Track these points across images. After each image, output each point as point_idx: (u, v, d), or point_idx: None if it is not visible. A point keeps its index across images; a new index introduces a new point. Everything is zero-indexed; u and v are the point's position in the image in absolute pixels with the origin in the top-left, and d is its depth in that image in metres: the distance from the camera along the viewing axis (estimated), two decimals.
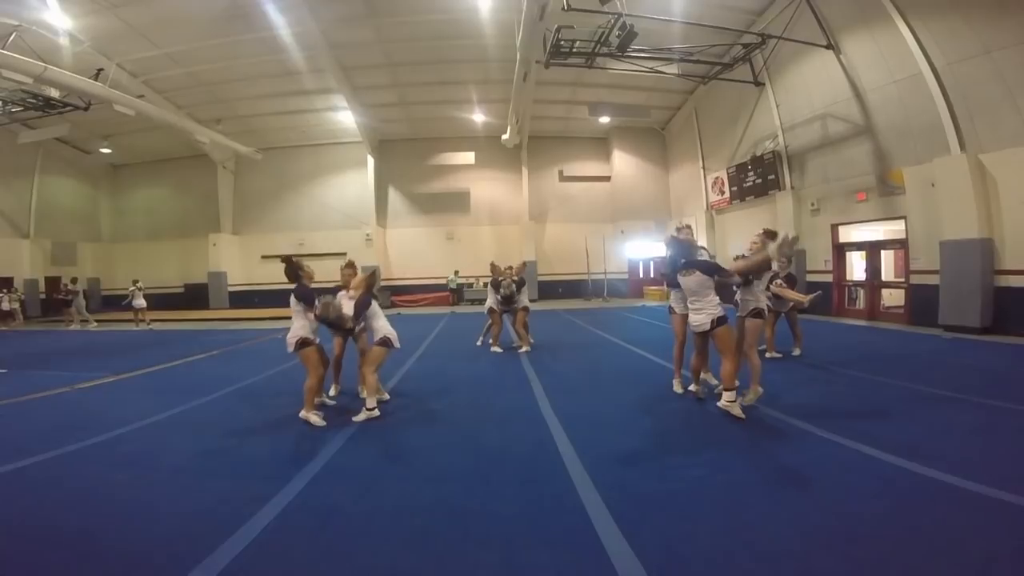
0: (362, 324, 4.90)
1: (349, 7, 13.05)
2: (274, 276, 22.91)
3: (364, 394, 4.79)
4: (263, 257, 20.88)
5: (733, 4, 12.75)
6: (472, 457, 3.57)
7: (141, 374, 7.15)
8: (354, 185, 20.90)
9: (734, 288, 4.70)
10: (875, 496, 2.69)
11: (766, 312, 4.47)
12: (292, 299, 4.64)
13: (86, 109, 14.19)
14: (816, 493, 2.77)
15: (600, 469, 3.18)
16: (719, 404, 4.14)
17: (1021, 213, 8.24)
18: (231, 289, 20.77)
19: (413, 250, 21.03)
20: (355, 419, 4.45)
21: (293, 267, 4.74)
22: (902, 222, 10.43)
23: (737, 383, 4.19)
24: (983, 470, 2.91)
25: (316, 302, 4.56)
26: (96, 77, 13.38)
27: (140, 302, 14.46)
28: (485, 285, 10.41)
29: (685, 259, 4.34)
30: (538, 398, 5.13)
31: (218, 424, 4.54)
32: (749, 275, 4.48)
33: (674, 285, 4.87)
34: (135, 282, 14.74)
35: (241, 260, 21.09)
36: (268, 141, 20.23)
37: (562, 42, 11.52)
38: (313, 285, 4.78)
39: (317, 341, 4.64)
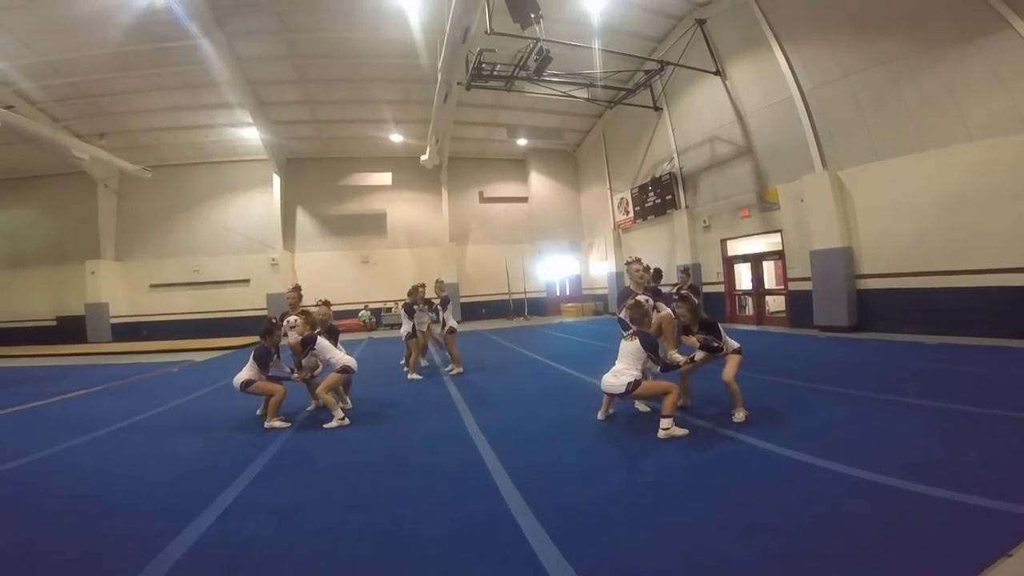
0: (318, 369, 5.46)
1: (261, 21, 12.49)
2: (165, 306, 20.89)
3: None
4: (152, 286, 18.96)
5: (638, 31, 13.82)
6: (398, 480, 3.48)
7: (6, 413, 6.23)
8: (258, 206, 19.55)
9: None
10: (772, 487, 2.97)
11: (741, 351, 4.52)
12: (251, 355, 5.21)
13: None
14: (728, 490, 3.00)
15: (528, 482, 3.23)
16: (659, 435, 3.97)
17: (873, 223, 9.59)
18: (114, 321, 18.46)
19: (325, 275, 19.83)
20: (326, 426, 4.91)
21: (267, 326, 5.36)
22: (779, 235, 11.80)
23: (673, 410, 4.09)
24: (863, 458, 3.25)
25: (271, 363, 5.21)
26: None
27: None
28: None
29: (635, 327, 4.32)
30: (464, 418, 5.12)
31: (105, 463, 4.08)
32: (691, 329, 4.60)
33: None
34: None
35: (126, 289, 18.86)
36: (159, 158, 18.44)
37: (484, 64, 11.85)
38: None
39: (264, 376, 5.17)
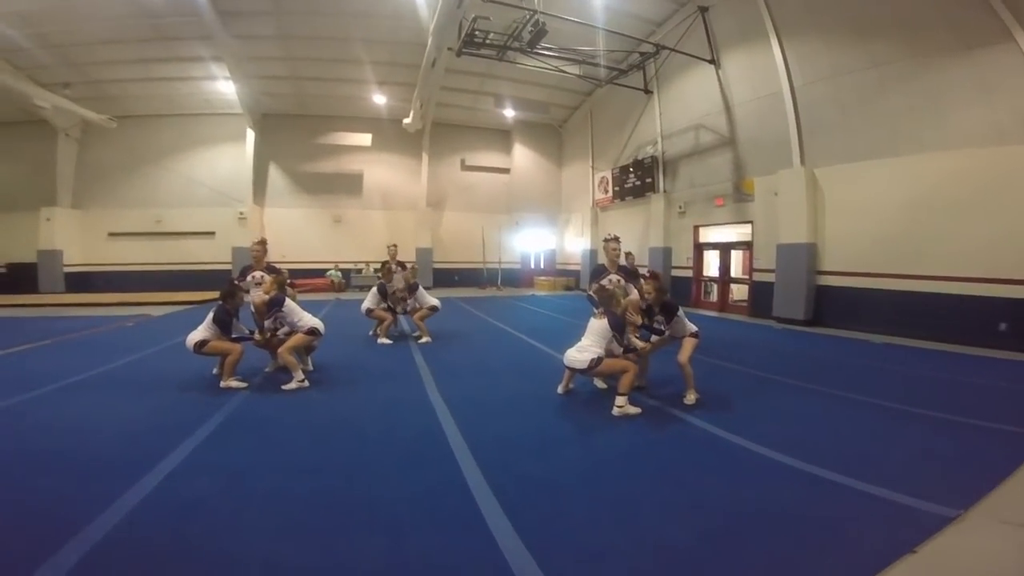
0: (283, 328, 5.23)
1: None
2: (124, 256, 20.14)
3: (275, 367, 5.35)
4: (111, 235, 18.14)
5: (638, 13, 13.54)
6: (354, 445, 3.51)
7: None
8: (228, 160, 18.74)
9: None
10: (712, 469, 3.13)
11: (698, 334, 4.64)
12: (210, 315, 5.01)
13: None
14: (671, 469, 3.15)
15: (486, 452, 3.31)
16: (614, 412, 4.12)
17: (838, 221, 9.86)
18: (68, 270, 17.60)
19: (295, 232, 19.41)
20: (284, 387, 4.87)
21: (229, 289, 5.18)
22: (750, 226, 12.05)
23: (629, 390, 4.23)
24: (798, 447, 3.43)
25: (232, 327, 5.04)
26: None
27: None
28: (376, 272, 9.87)
29: (603, 309, 4.44)
30: (427, 385, 5.15)
31: (51, 421, 3.94)
32: (653, 319, 4.74)
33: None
34: None
35: (82, 238, 17.96)
36: (126, 109, 17.41)
37: (477, 32, 11.49)
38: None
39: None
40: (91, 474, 2.95)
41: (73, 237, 17.79)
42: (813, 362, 6.79)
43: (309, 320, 5.24)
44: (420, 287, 8.02)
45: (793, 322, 10.20)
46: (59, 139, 17.46)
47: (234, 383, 4.92)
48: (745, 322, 11.09)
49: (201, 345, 4.91)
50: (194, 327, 5.09)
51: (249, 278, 5.80)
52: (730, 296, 13.18)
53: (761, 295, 11.41)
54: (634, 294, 5.11)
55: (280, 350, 5.05)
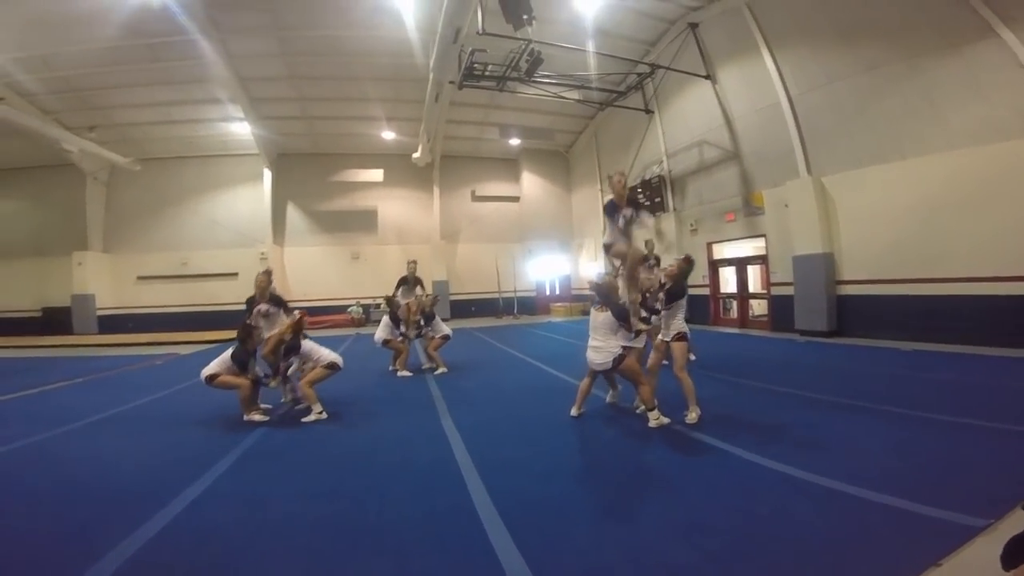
0: (292, 365, 5.30)
1: (253, 17, 12.49)
2: (152, 299, 20.82)
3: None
4: (140, 278, 18.86)
5: (630, 35, 13.88)
6: (367, 474, 3.56)
7: None
8: (247, 200, 19.50)
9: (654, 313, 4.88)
10: (724, 489, 3.05)
11: (689, 335, 4.59)
12: (228, 352, 5.17)
13: None
14: (680, 490, 3.08)
15: (495, 478, 3.31)
16: (650, 425, 4.20)
17: (853, 229, 9.74)
18: (101, 313, 18.34)
19: (314, 270, 19.97)
20: (304, 420, 4.95)
21: (245, 331, 5.25)
22: (763, 239, 11.95)
23: (656, 401, 4.31)
24: (818, 462, 3.32)
25: (250, 365, 5.14)
26: None
27: None
28: (381, 306, 9.64)
29: (602, 300, 4.48)
30: (441, 415, 5.18)
31: (82, 453, 4.13)
32: (653, 309, 4.79)
33: None
34: None
35: (112, 281, 18.74)
36: (148, 151, 18.36)
37: (475, 64, 11.90)
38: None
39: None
40: (119, 502, 3.06)
41: (104, 281, 18.56)
42: (838, 374, 6.61)
43: (327, 355, 5.30)
44: (437, 317, 8.02)
45: (816, 334, 9.98)
46: (87, 183, 18.32)
47: (256, 416, 5.03)
48: (767, 337, 10.88)
49: (212, 378, 5.04)
50: None
51: (255, 311, 5.60)
52: (750, 311, 12.98)
53: (781, 308, 11.22)
54: (635, 246, 4.98)
55: (302, 383, 5.17)
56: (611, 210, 4.84)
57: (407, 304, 7.87)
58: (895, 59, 8.75)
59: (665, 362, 4.78)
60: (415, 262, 8.63)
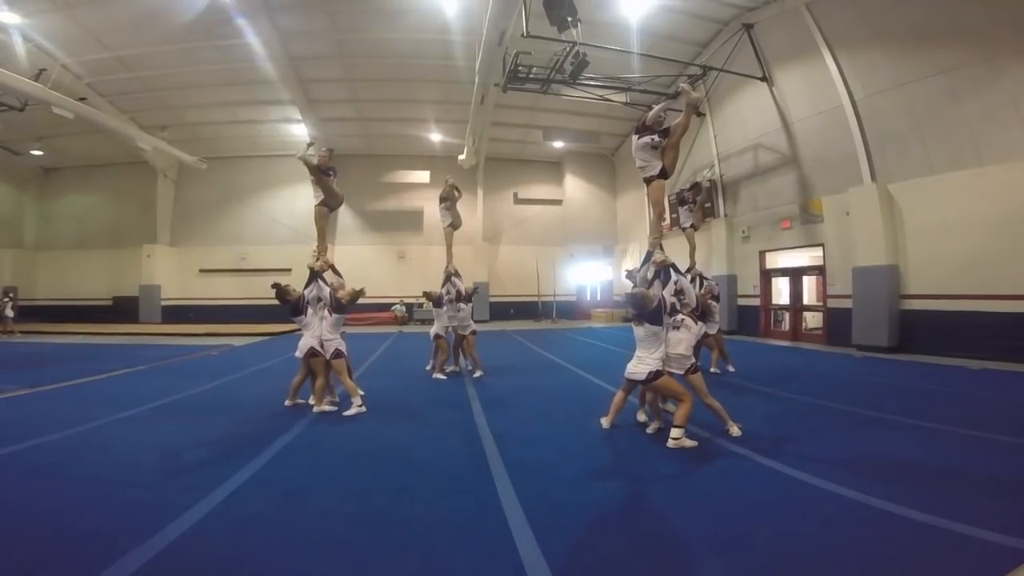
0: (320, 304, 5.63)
1: (312, 21, 13.05)
2: (212, 291, 22.08)
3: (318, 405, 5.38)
4: (201, 271, 20.05)
5: (681, 36, 13.57)
6: (401, 471, 3.59)
7: (58, 388, 6.70)
8: (304, 199, 20.23)
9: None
10: (763, 505, 2.91)
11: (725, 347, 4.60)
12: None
13: (21, 110, 13.40)
14: (718, 505, 2.95)
15: (525, 481, 3.27)
16: (669, 444, 3.98)
17: (922, 241, 9.10)
18: (164, 303, 19.68)
19: (363, 268, 20.34)
20: (345, 413, 5.17)
21: (279, 291, 5.74)
22: (821, 249, 11.33)
23: (685, 421, 4.07)
24: (869, 482, 3.12)
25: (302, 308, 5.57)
26: (38, 77, 12.65)
27: (9, 313, 15.10)
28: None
29: (636, 312, 4.37)
30: (476, 415, 5.20)
31: (138, 438, 4.38)
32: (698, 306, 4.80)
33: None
34: (7, 293, 14.76)
35: (177, 273, 20.09)
36: (214, 150, 19.54)
37: (520, 67, 11.95)
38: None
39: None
40: (168, 487, 3.22)
41: (170, 273, 19.93)
42: (897, 391, 6.16)
43: (337, 343, 5.49)
44: (471, 308, 8.02)
45: (876, 349, 9.39)
46: (159, 179, 19.78)
47: (327, 406, 5.29)
48: (821, 351, 10.31)
49: (312, 354, 5.39)
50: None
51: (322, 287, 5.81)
52: (803, 324, 12.34)
53: (838, 322, 10.61)
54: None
55: (342, 379, 5.44)
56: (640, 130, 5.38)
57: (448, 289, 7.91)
58: (974, 60, 8.15)
59: None
60: (453, 184, 9.02)
